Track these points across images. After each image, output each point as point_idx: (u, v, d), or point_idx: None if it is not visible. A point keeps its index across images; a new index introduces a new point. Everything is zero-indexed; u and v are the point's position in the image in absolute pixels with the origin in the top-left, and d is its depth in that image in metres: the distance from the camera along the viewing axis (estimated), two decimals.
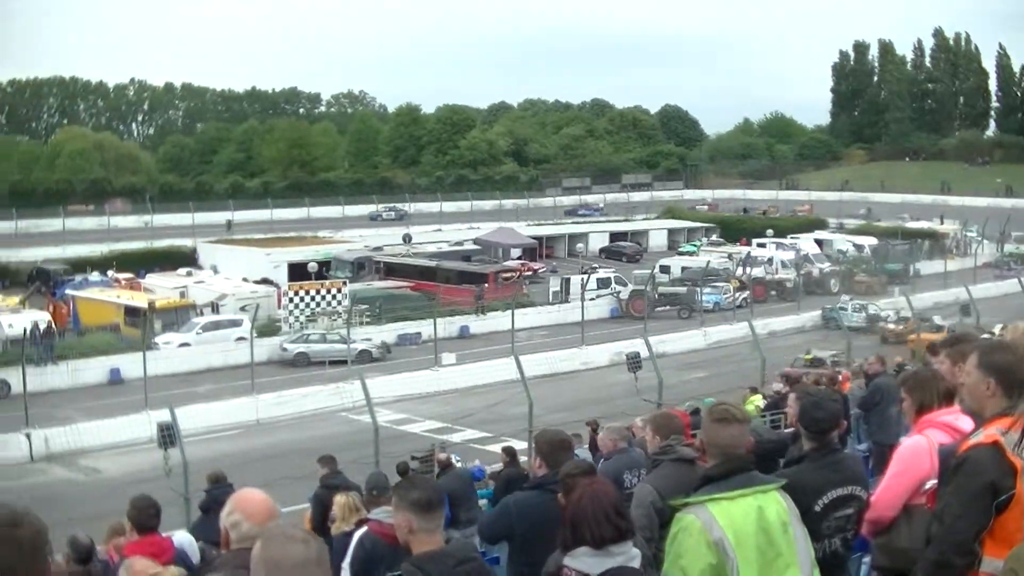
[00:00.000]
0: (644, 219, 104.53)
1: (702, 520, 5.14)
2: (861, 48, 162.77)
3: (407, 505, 5.39)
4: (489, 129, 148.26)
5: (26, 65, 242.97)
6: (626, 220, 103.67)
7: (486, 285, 61.40)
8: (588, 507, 5.04)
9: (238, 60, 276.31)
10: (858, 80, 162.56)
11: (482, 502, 16.92)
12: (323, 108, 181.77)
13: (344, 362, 45.56)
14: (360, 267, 69.45)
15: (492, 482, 18.29)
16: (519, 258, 78.66)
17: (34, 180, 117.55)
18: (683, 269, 68.63)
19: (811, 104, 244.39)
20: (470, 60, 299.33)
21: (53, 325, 48.84)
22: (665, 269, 68.78)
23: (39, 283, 63.84)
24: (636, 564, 5.01)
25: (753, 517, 5.21)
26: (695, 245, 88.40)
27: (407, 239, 79.99)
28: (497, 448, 23.49)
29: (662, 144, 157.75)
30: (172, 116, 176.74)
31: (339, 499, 10.98)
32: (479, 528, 8.27)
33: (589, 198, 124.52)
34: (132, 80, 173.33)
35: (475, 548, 6.67)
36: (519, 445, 20.07)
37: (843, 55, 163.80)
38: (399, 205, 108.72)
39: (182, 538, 9.64)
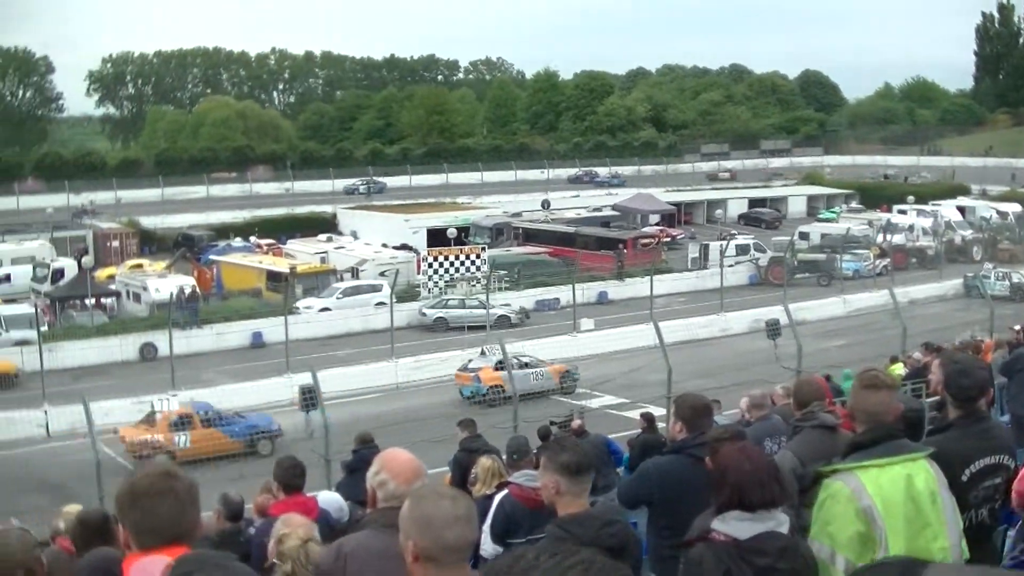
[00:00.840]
0: (783, 185, 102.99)
1: (851, 487, 5.05)
2: (1006, 10, 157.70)
3: (556, 467, 5.38)
4: (627, 95, 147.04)
5: (171, 37, 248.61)
6: (765, 186, 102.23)
7: (624, 251, 61.05)
8: (744, 470, 4.92)
9: (376, 29, 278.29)
10: (1003, 43, 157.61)
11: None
12: (461, 75, 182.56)
13: (483, 327, 45.52)
14: (499, 233, 69.60)
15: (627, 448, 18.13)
16: (657, 224, 78.03)
17: (179, 148, 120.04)
18: (823, 236, 67.37)
19: (953, 68, 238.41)
20: (608, 26, 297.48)
21: (198, 290, 49.94)
22: (804, 236, 67.49)
23: (184, 249, 65.21)
24: (784, 530, 4.89)
25: (902, 485, 5.09)
26: (835, 212, 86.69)
27: (546, 205, 79.80)
28: (633, 414, 23.29)
29: (801, 110, 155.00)
30: (312, 84, 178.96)
31: (483, 462, 10.83)
32: (618, 493, 8.14)
33: (728, 164, 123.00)
34: (273, 50, 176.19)
35: (620, 511, 6.58)
36: (657, 412, 19.78)
37: (987, 17, 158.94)
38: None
39: (327, 498, 9.83)
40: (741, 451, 5.13)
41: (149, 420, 31.22)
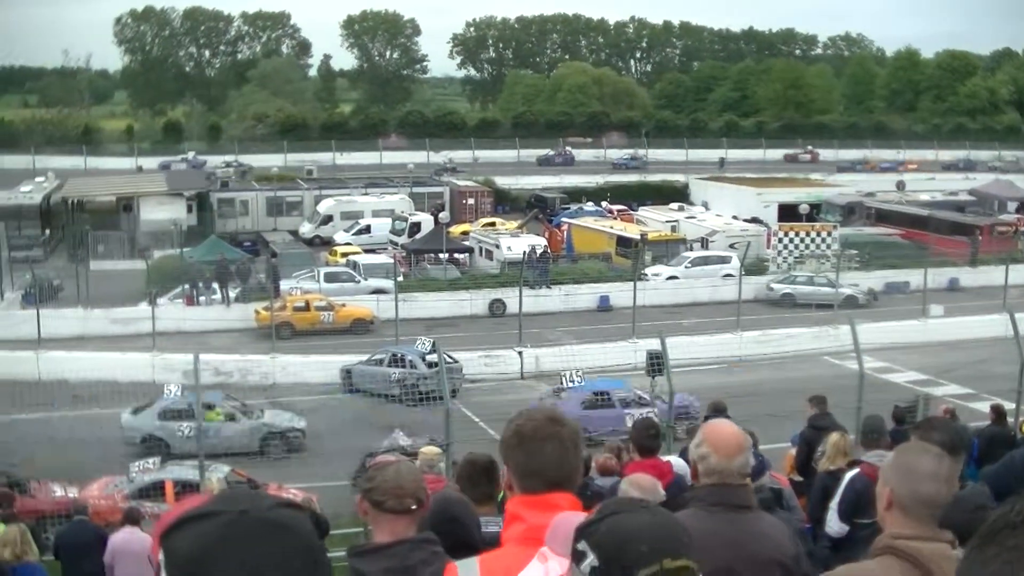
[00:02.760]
0: None
1: None
2: None
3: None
4: (991, 76, 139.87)
5: (533, 3, 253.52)
6: None
7: (980, 237, 57.96)
8: None
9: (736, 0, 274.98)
10: None
11: None
12: (819, 50, 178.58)
13: (830, 306, 44.34)
14: (851, 212, 67.60)
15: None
16: (1016, 212, 73.80)
17: (536, 111, 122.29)
18: None
19: None
20: (973, 4, 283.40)
21: (548, 250, 50.57)
22: None
23: (537, 210, 66.36)
24: None
25: None
26: None
27: (900, 186, 76.89)
28: (979, 405, 22.34)
29: None
30: (669, 54, 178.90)
31: (833, 437, 10.78)
32: (986, 481, 7.61)
33: None
34: (632, 18, 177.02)
35: (990, 496, 6.16)
36: (1008, 405, 18.52)
37: None
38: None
39: (680, 463, 9.54)
40: None
41: None
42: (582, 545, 2.79)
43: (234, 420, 27.86)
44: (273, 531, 2.23)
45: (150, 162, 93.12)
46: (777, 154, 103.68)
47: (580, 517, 3.30)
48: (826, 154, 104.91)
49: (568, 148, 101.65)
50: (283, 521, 2.26)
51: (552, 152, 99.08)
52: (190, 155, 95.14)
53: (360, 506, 4.16)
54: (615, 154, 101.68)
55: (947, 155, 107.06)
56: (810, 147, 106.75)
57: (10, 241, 50.35)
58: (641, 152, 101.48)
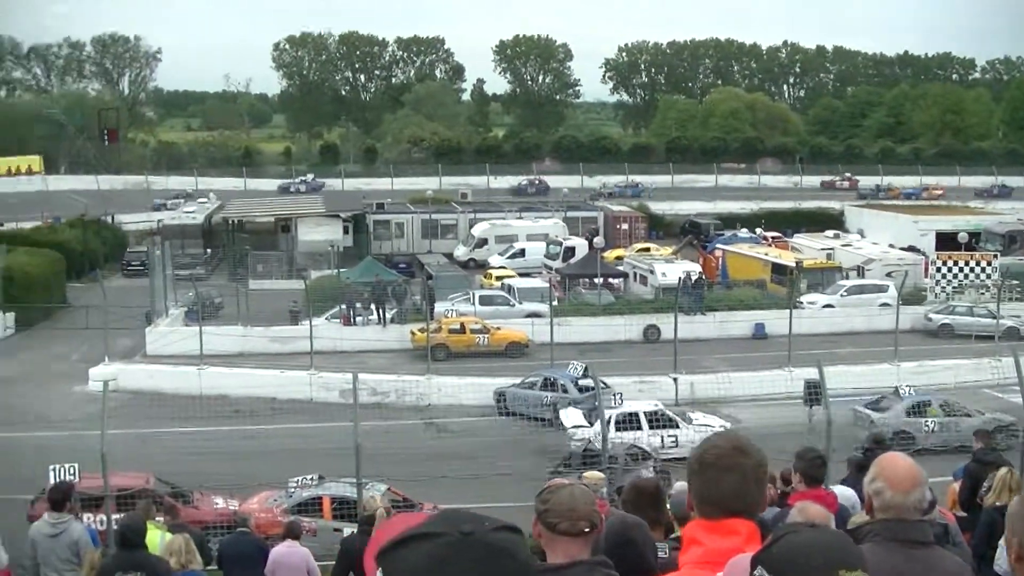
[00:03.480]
0: None
1: None
2: None
3: None
4: None
5: (684, 27, 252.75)
6: None
7: None
8: None
9: (890, 24, 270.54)
10: None
11: None
12: (977, 74, 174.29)
13: (990, 337, 43.18)
14: (1012, 240, 65.89)
15: None
16: None
17: (689, 137, 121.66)
18: None
19: None
20: None
21: (703, 277, 50.32)
22: None
23: (691, 236, 66.09)
24: None
25: None
26: None
27: None
28: None
29: None
30: (823, 79, 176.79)
31: (1001, 473, 10.64)
32: None
33: None
34: (785, 43, 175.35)
35: None
36: None
37: None
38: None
39: (843, 492, 9.61)
40: None
41: None
42: (758, 571, 2.84)
43: None
44: (496, 555, 2.24)
45: (268, 184, 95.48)
46: (933, 181, 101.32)
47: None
48: (983, 181, 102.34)
49: (541, 178, 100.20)
50: (505, 545, 2.28)
51: (525, 181, 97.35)
52: (308, 177, 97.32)
53: (534, 528, 4.13)
54: (770, 180, 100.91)
55: None
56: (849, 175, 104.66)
57: (174, 260, 51.75)
58: (795, 179, 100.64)
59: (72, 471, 17.08)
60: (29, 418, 29.77)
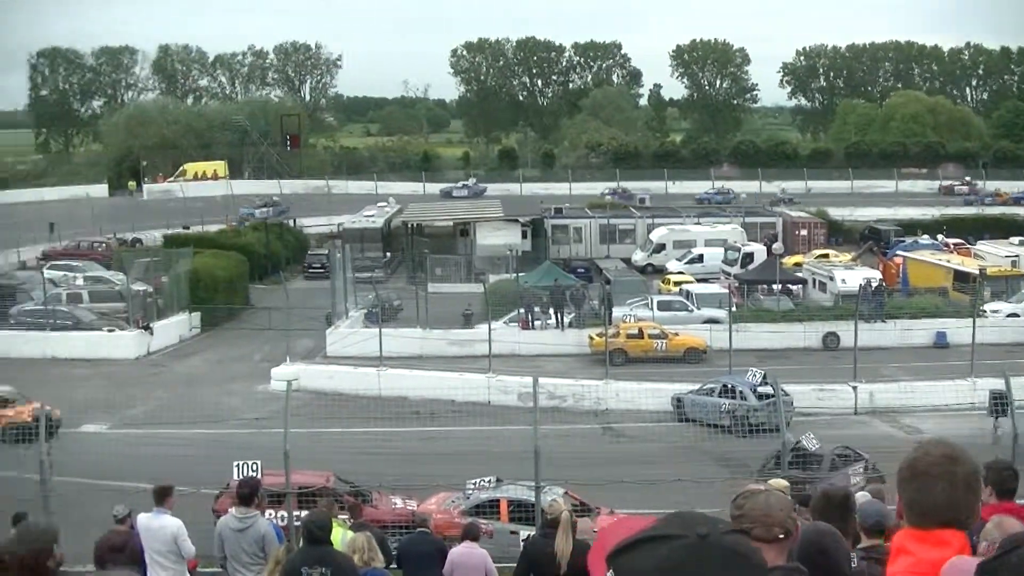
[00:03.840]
0: None
1: None
2: None
3: None
4: None
5: (863, 31, 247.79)
6: None
7: None
8: None
9: None
10: None
11: None
12: None
13: None
14: None
15: None
16: None
17: (869, 141, 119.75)
18: None
19: None
20: None
21: (884, 284, 49.74)
22: None
23: (871, 242, 65.18)
24: None
25: None
26: None
27: None
28: None
29: None
30: (1007, 81, 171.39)
31: None
32: None
33: None
34: (968, 44, 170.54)
35: None
36: None
37: None
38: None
39: None
40: None
41: None
42: None
43: None
44: (732, 558, 2.23)
45: (427, 187, 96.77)
46: None
47: (972, 561, 3.40)
48: None
49: (473, 180, 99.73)
50: (741, 548, 2.27)
51: (712, 190, 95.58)
52: (471, 181, 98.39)
53: None
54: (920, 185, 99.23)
55: None
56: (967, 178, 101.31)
57: (355, 262, 52.95)
58: (979, 184, 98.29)
59: (255, 467, 17.53)
60: (212, 415, 30.36)
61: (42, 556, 5.44)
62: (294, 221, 74.03)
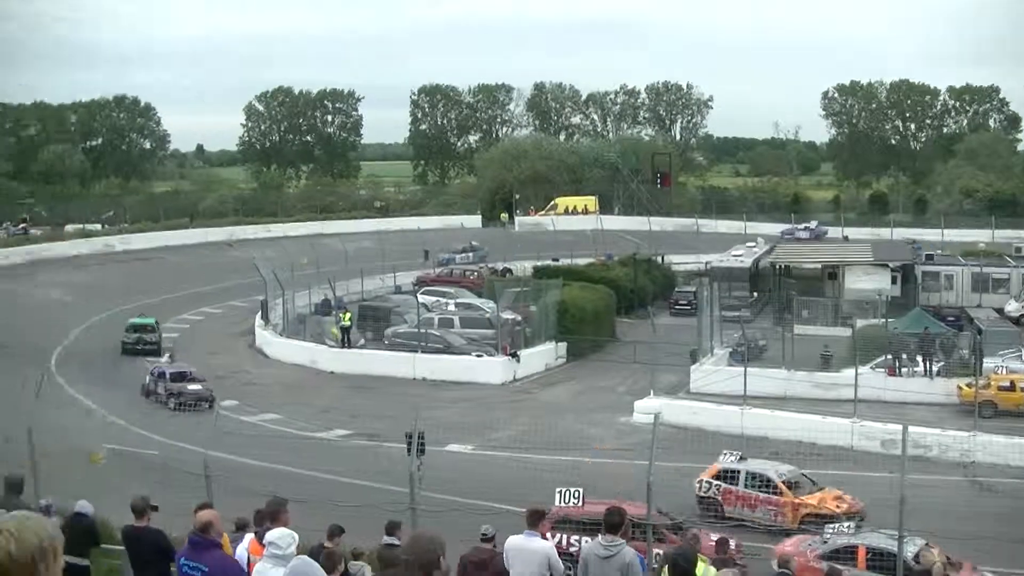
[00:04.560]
0: None
1: None
2: None
3: None
4: None
5: None
6: None
7: None
8: None
9: None
10: None
11: None
12: None
13: None
14: None
15: None
16: None
17: None
18: None
19: None
20: None
21: None
22: None
23: None
24: None
25: None
26: None
27: None
28: None
29: None
30: None
31: None
32: None
33: None
34: None
35: None
36: None
37: None
38: None
39: None
40: None
41: None
42: None
43: None
44: None
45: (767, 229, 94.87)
46: None
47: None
48: None
49: (815, 222, 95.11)
50: None
51: (799, 227, 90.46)
52: (812, 224, 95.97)
53: None
54: None
55: None
56: None
57: (721, 301, 53.19)
58: None
59: (577, 495, 17.88)
60: (572, 442, 30.99)
61: (432, 562, 6.27)
62: (662, 258, 74.84)
